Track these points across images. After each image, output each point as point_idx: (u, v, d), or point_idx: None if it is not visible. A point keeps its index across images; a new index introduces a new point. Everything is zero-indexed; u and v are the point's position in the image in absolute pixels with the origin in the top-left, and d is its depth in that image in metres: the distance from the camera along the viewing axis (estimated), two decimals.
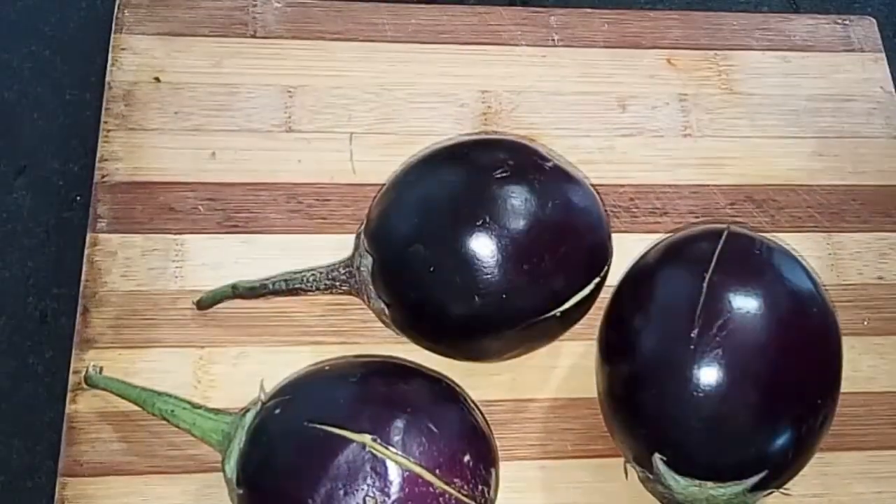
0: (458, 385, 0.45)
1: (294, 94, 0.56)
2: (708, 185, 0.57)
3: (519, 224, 0.44)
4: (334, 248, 0.49)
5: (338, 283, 0.48)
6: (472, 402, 0.44)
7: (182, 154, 0.54)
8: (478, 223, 0.43)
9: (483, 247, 0.43)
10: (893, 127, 0.61)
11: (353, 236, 0.48)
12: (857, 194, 0.58)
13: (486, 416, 0.44)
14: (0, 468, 0.50)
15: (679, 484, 0.42)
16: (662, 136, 0.58)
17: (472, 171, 0.46)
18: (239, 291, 0.49)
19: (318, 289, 0.48)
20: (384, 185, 0.48)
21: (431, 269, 0.44)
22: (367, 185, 0.54)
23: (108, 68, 0.56)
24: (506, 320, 0.45)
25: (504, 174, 0.45)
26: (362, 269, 0.46)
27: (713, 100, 0.60)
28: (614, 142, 0.58)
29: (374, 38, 0.59)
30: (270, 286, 0.48)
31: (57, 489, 0.45)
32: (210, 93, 0.56)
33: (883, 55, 0.63)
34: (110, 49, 0.56)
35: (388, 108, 0.57)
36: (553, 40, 0.61)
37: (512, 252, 0.43)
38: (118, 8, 0.57)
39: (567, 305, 0.45)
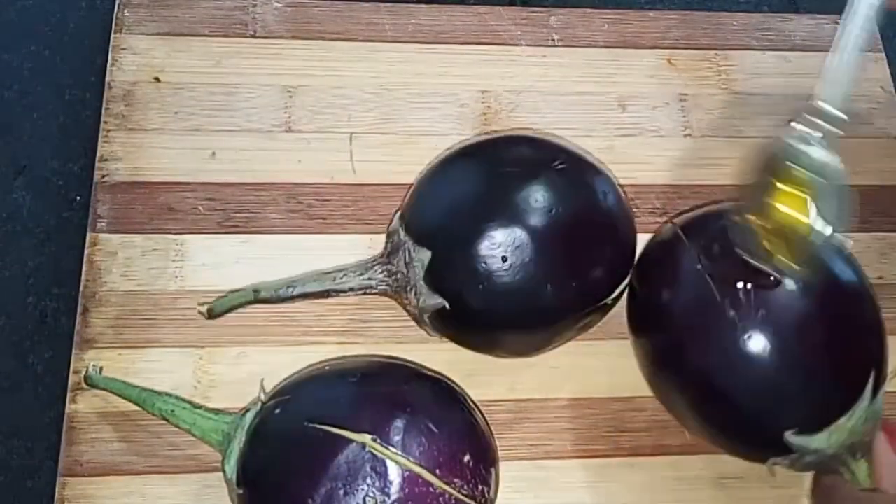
0: (458, 385, 0.45)
1: (294, 94, 0.56)
2: (708, 185, 0.57)
3: (586, 213, 0.45)
4: (334, 248, 0.49)
5: (374, 284, 0.47)
6: (472, 402, 0.44)
7: (182, 154, 0.54)
8: (550, 212, 0.44)
9: (556, 235, 0.44)
10: (893, 127, 0.61)
11: (353, 236, 0.48)
12: (857, 194, 0.58)
13: (486, 416, 0.44)
14: (0, 468, 0.50)
15: (822, 441, 0.42)
16: (662, 136, 0.58)
17: (531, 161, 0.46)
18: (262, 296, 0.46)
19: (350, 289, 0.47)
20: (422, 178, 0.47)
21: (504, 258, 0.44)
22: (367, 185, 0.54)
23: (108, 68, 0.56)
24: (571, 306, 0.46)
25: (562, 165, 0.46)
26: (415, 264, 0.45)
27: (713, 100, 0.60)
28: (614, 142, 0.58)
29: (374, 38, 0.59)
30: (299, 289, 0.46)
31: (57, 489, 0.45)
32: (210, 93, 0.56)
33: (883, 55, 0.63)
34: (110, 49, 0.56)
35: (388, 108, 0.57)
36: (553, 40, 0.61)
37: (581, 239, 0.45)
38: (118, 8, 0.57)
39: (616, 293, 0.47)
